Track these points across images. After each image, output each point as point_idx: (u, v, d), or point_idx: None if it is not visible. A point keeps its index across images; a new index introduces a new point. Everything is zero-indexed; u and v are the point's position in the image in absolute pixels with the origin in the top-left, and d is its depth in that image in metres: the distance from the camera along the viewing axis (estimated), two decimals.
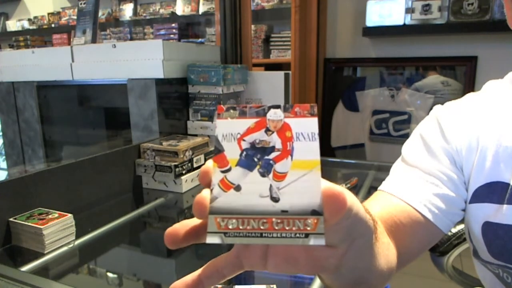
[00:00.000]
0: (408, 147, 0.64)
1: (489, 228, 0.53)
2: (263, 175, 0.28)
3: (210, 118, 1.42)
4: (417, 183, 0.57)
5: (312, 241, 0.25)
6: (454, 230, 1.02)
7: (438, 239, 0.58)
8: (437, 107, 0.65)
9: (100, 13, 2.91)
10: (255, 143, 0.29)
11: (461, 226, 1.02)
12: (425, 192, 0.56)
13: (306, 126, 0.29)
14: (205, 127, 1.43)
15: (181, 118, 1.45)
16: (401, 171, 0.62)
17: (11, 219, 0.83)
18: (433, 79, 2.26)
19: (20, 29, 4.29)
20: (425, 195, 0.56)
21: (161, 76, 1.31)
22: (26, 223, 0.81)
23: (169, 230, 0.33)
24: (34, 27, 4.22)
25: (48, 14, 4.11)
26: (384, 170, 1.44)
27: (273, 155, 0.28)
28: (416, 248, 0.57)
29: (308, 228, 0.25)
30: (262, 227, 0.26)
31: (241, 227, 0.26)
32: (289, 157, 0.28)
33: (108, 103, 1.76)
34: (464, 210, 0.58)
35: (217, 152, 0.28)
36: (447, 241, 1.02)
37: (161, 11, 3.54)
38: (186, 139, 1.27)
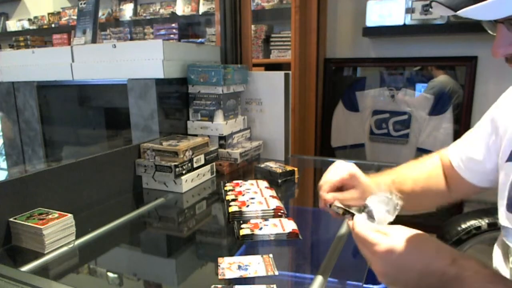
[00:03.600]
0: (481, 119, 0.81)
1: None
2: None
3: (210, 118, 1.42)
4: (461, 144, 0.81)
5: None
6: (463, 226, 1.03)
7: (473, 189, 0.79)
8: None
9: (100, 13, 2.91)
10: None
11: (471, 222, 1.02)
12: (461, 151, 0.80)
13: None
14: (205, 127, 1.43)
15: (181, 118, 1.45)
16: (465, 135, 0.83)
17: (11, 219, 0.83)
18: (445, 78, 2.25)
19: (20, 29, 4.29)
20: (460, 153, 0.80)
21: (161, 76, 1.31)
22: (26, 223, 0.81)
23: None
24: (34, 27, 4.22)
25: (48, 14, 4.11)
26: (384, 170, 1.44)
27: None
28: (454, 188, 0.82)
29: None
30: None
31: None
32: None
33: (108, 103, 1.76)
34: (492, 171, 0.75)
35: None
36: (456, 236, 1.03)
37: (161, 11, 3.55)
38: (186, 139, 1.27)
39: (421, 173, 0.86)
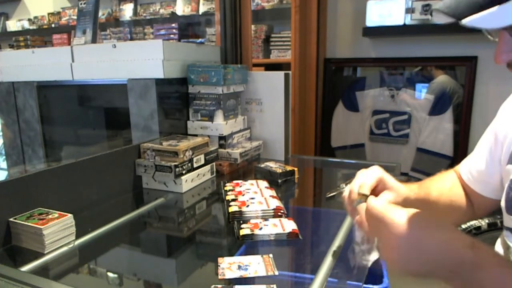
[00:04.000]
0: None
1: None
2: None
3: (210, 118, 1.42)
4: (470, 158, 0.82)
5: None
6: (464, 226, 1.03)
7: (488, 203, 0.79)
8: None
9: (100, 13, 2.91)
10: None
11: (472, 223, 1.03)
12: (470, 165, 0.81)
13: None
14: (205, 127, 1.43)
15: (181, 118, 1.45)
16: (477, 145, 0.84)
17: (11, 219, 0.83)
18: (445, 78, 2.25)
19: (20, 29, 4.29)
20: (468, 167, 0.81)
21: (161, 76, 1.31)
22: (26, 223, 0.81)
23: None
24: (34, 27, 4.22)
25: (48, 14, 4.11)
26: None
27: None
28: (470, 200, 0.82)
29: None
30: None
31: None
32: None
33: (108, 103, 1.76)
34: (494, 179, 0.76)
35: None
36: None
37: (161, 11, 3.54)
38: (186, 139, 1.27)
39: (444, 188, 0.83)
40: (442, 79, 2.27)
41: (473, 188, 0.79)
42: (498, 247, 0.73)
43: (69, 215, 0.85)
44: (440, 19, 0.49)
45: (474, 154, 0.82)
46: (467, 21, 0.44)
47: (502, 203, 0.68)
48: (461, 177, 0.83)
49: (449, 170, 0.89)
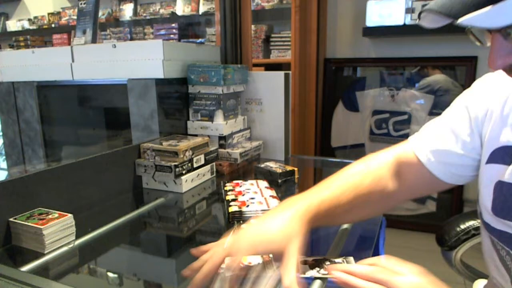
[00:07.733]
0: (450, 107, 0.74)
1: (499, 186, 0.61)
2: None
3: (210, 118, 1.42)
4: (429, 136, 0.72)
5: None
6: (462, 226, 1.03)
7: (437, 186, 0.71)
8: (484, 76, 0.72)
9: (100, 13, 2.91)
10: None
11: (470, 223, 1.03)
12: (431, 144, 0.70)
13: None
14: (205, 127, 1.43)
15: (181, 118, 1.45)
16: (430, 126, 0.74)
17: (11, 219, 0.83)
18: (439, 77, 2.25)
19: (20, 29, 4.29)
20: (430, 146, 0.70)
21: (161, 76, 1.31)
22: (26, 223, 0.81)
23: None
24: (34, 27, 4.22)
25: (48, 14, 4.11)
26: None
27: None
28: (412, 187, 0.74)
29: None
30: None
31: None
32: None
33: (108, 103, 1.76)
34: (475, 170, 0.69)
35: None
36: (455, 236, 1.03)
37: (161, 11, 3.55)
38: (186, 139, 1.27)
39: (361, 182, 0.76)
40: (436, 77, 2.27)
41: (433, 171, 0.70)
42: (488, 251, 0.71)
43: (69, 215, 0.85)
44: (428, 23, 0.48)
45: (438, 133, 0.71)
46: (462, 20, 0.42)
47: (486, 203, 0.63)
48: (418, 158, 0.72)
49: (376, 153, 0.81)
